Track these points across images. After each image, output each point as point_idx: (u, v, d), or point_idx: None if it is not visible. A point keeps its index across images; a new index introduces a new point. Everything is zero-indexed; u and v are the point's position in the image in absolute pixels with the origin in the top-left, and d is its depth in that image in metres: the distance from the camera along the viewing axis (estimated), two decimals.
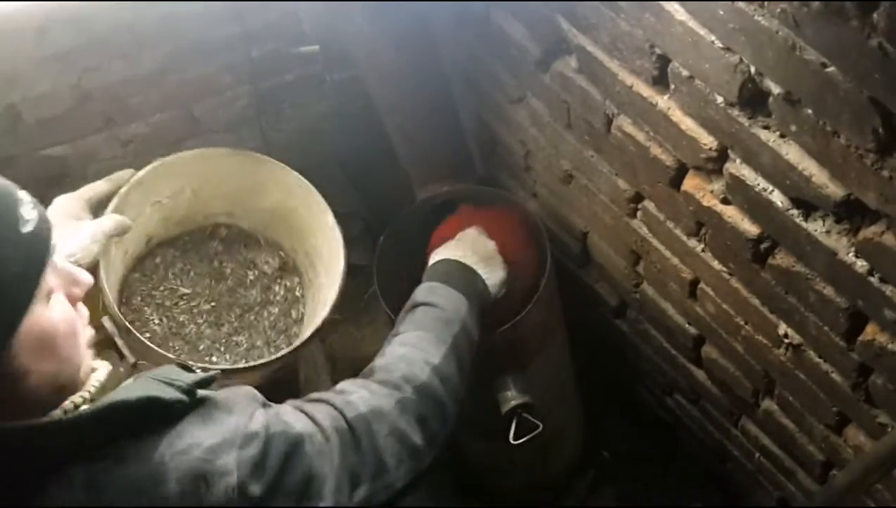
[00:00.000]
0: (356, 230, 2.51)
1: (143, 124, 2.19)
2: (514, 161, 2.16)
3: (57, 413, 0.87)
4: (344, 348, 2.58)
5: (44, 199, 2.23)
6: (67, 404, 0.88)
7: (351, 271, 2.63)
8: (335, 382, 2.19)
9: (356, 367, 2.67)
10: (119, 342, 1.33)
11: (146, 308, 1.71)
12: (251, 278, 1.89)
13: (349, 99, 2.34)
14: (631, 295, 1.99)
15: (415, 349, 1.26)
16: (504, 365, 1.84)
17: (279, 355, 1.60)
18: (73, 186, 2.25)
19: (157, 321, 1.70)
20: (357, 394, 1.15)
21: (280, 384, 2.72)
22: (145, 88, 2.11)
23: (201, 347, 1.74)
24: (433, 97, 2.03)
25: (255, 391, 1.05)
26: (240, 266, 1.89)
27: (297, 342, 1.65)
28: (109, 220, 1.39)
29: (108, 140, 2.20)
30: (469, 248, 1.57)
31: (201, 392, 0.93)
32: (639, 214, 1.70)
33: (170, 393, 0.88)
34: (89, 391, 0.91)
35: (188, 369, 0.98)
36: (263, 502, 0.89)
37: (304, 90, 2.29)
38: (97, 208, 1.45)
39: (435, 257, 1.56)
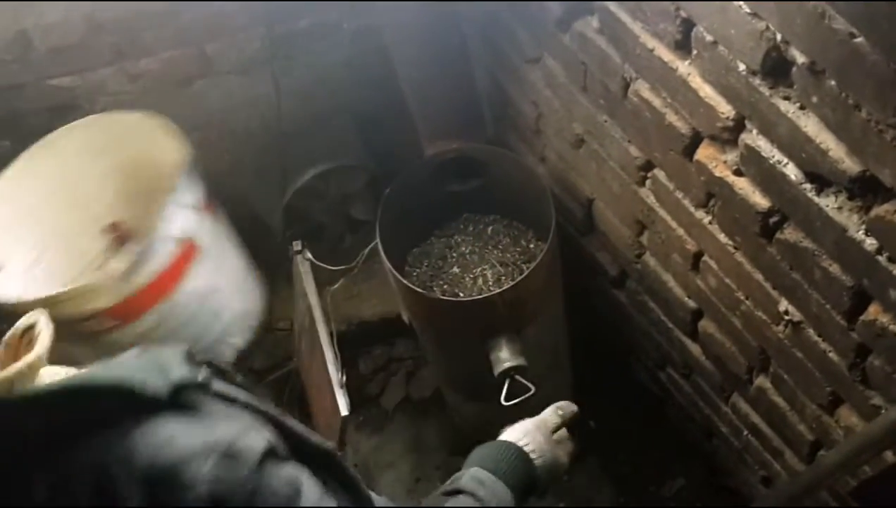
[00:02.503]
0: (360, 183, 2.50)
1: (154, 60, 2.18)
2: (524, 123, 2.15)
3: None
4: (341, 302, 2.58)
5: (48, 128, 2.24)
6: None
7: (352, 226, 2.64)
8: (331, 333, 2.21)
9: (350, 322, 2.69)
10: None
11: None
12: None
13: (364, 49, 2.32)
14: (632, 265, 1.99)
15: None
16: (500, 327, 1.84)
17: None
18: (80, 118, 2.25)
19: None
20: None
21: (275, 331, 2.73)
22: (159, 23, 2.09)
23: None
24: (448, 53, 2.02)
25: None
26: None
27: None
28: None
29: (117, 74, 2.19)
30: (534, 434, 1.39)
31: (190, 398, 0.83)
32: (648, 182, 1.69)
33: (150, 386, 0.79)
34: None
35: (192, 358, 0.87)
36: None
37: (319, 37, 2.27)
38: None
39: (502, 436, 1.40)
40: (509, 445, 1.35)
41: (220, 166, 2.51)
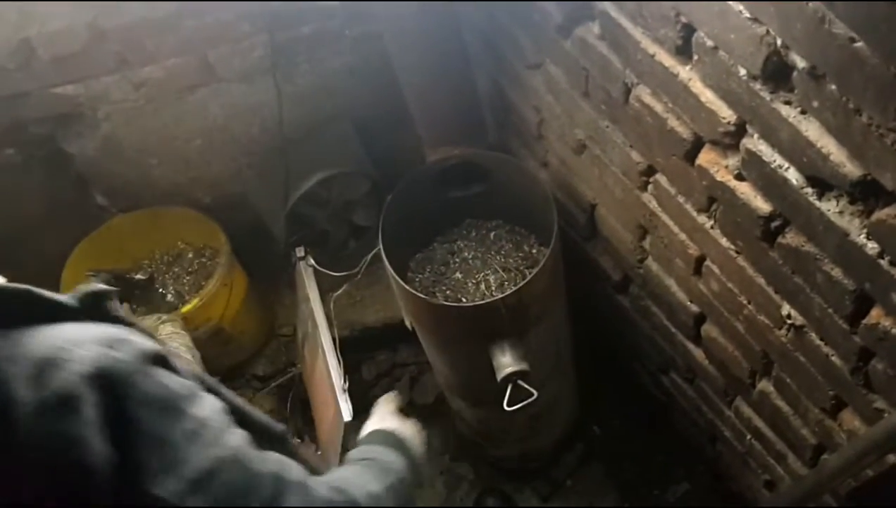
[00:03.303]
0: (363, 190, 2.51)
1: (158, 68, 2.18)
2: (526, 129, 2.15)
3: None
4: (344, 307, 2.59)
5: (52, 138, 2.25)
6: None
7: (355, 232, 2.65)
8: (334, 339, 2.22)
9: (353, 328, 2.69)
10: None
11: None
12: None
13: (365, 56, 2.33)
14: (635, 270, 1.99)
15: (356, 475, 1.16)
16: (503, 332, 1.85)
17: None
18: (84, 126, 2.26)
19: None
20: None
21: (278, 337, 2.73)
22: (161, 30, 2.10)
23: None
24: (450, 59, 2.02)
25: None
26: None
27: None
28: None
29: (120, 82, 2.19)
30: (389, 419, 1.50)
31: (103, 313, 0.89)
32: (650, 187, 1.69)
33: (59, 295, 0.85)
34: None
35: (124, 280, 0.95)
36: (119, 400, 0.82)
37: (321, 44, 2.27)
38: None
39: (363, 432, 1.48)
40: (376, 430, 1.43)
41: (222, 174, 2.52)
